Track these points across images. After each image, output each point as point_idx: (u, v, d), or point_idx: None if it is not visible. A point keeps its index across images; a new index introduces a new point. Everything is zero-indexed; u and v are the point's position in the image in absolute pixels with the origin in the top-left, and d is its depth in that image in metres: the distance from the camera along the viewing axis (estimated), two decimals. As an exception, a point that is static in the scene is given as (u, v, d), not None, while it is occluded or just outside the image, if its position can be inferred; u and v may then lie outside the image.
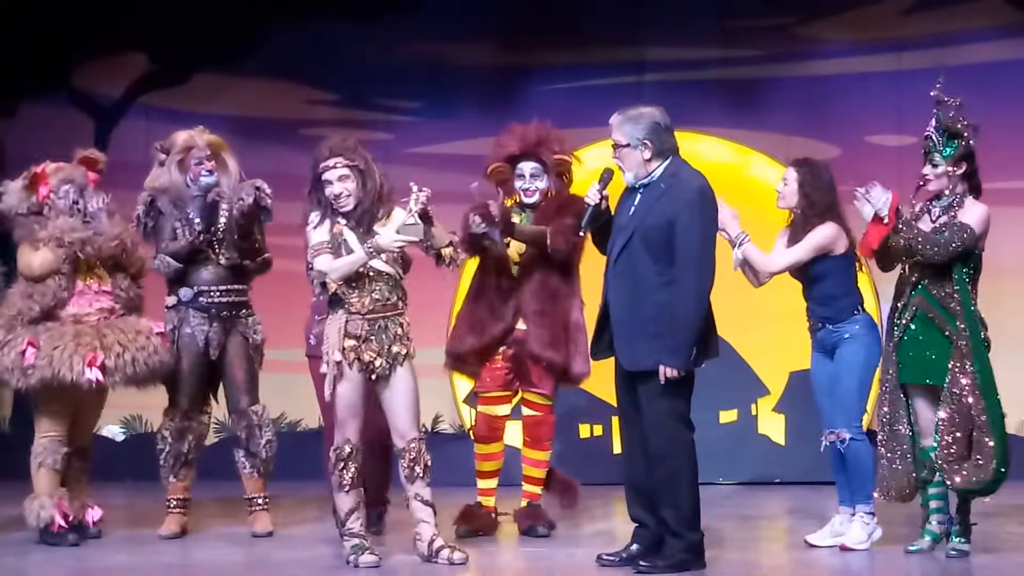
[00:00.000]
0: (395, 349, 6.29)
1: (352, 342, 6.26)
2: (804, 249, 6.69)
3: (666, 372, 5.98)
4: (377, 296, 6.29)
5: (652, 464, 6.11)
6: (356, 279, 6.27)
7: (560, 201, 7.20)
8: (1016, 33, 9.79)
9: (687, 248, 5.99)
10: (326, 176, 6.28)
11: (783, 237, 6.85)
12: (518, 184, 7.25)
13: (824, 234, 6.67)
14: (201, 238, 7.19)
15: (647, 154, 6.12)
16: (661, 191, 6.09)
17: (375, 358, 6.27)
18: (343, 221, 6.30)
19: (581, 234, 6.31)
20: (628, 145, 6.13)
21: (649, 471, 6.15)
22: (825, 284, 6.72)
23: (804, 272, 6.75)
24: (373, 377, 6.29)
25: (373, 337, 6.27)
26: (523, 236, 7.11)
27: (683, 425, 6.12)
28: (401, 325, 6.33)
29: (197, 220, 7.16)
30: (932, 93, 6.50)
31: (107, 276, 7.19)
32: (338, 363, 6.25)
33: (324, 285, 6.30)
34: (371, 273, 6.28)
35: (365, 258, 6.20)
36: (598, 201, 6.21)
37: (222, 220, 7.22)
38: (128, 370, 7.04)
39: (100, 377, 6.95)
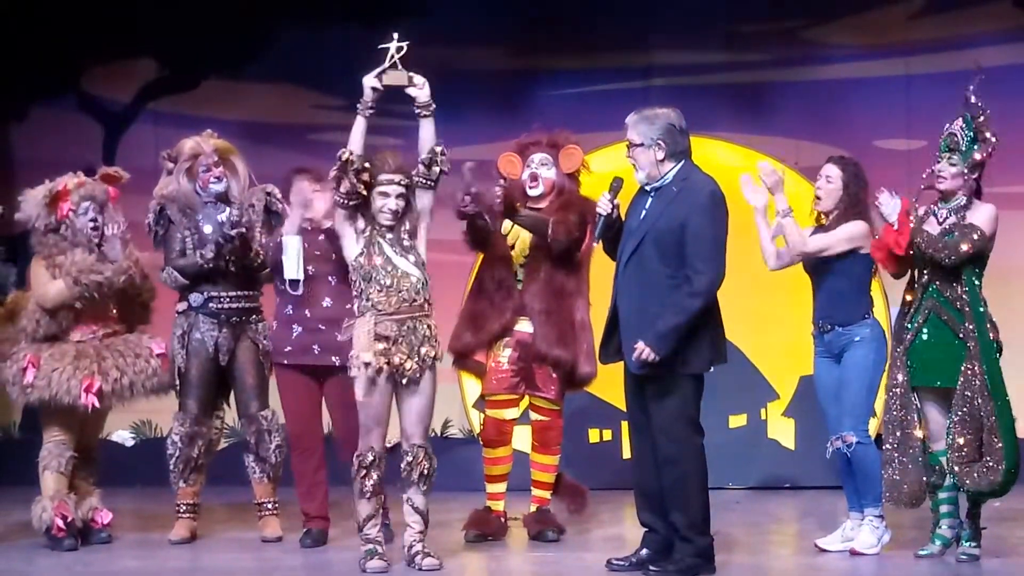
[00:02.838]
0: (424, 350, 6.30)
1: (382, 345, 6.26)
2: (838, 238, 6.68)
3: (643, 351, 5.96)
4: (404, 296, 6.29)
5: (662, 468, 6.11)
6: (383, 279, 6.28)
7: (566, 198, 7.21)
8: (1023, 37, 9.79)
9: (698, 252, 6.00)
10: (385, 188, 6.33)
11: (807, 232, 6.83)
12: (526, 174, 7.25)
13: (858, 229, 6.67)
14: (211, 264, 7.19)
15: (660, 155, 6.13)
16: (673, 194, 6.10)
17: (405, 360, 6.26)
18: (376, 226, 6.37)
19: (595, 244, 6.31)
20: (642, 144, 6.14)
21: (659, 476, 6.15)
22: (841, 281, 6.71)
23: (823, 266, 6.73)
24: (404, 381, 6.28)
25: (403, 339, 6.27)
26: (524, 221, 7.11)
27: (692, 429, 6.12)
28: (429, 327, 6.33)
29: (211, 247, 7.15)
30: (966, 92, 6.48)
31: (115, 303, 7.22)
32: (367, 364, 6.25)
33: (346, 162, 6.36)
34: (397, 273, 6.28)
35: (364, 120, 6.39)
36: (610, 211, 6.21)
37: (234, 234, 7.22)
38: (126, 394, 7.13)
39: (96, 403, 7.02)
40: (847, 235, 6.69)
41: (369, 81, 6.38)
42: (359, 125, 6.41)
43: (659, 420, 6.09)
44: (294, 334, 7.09)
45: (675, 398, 6.06)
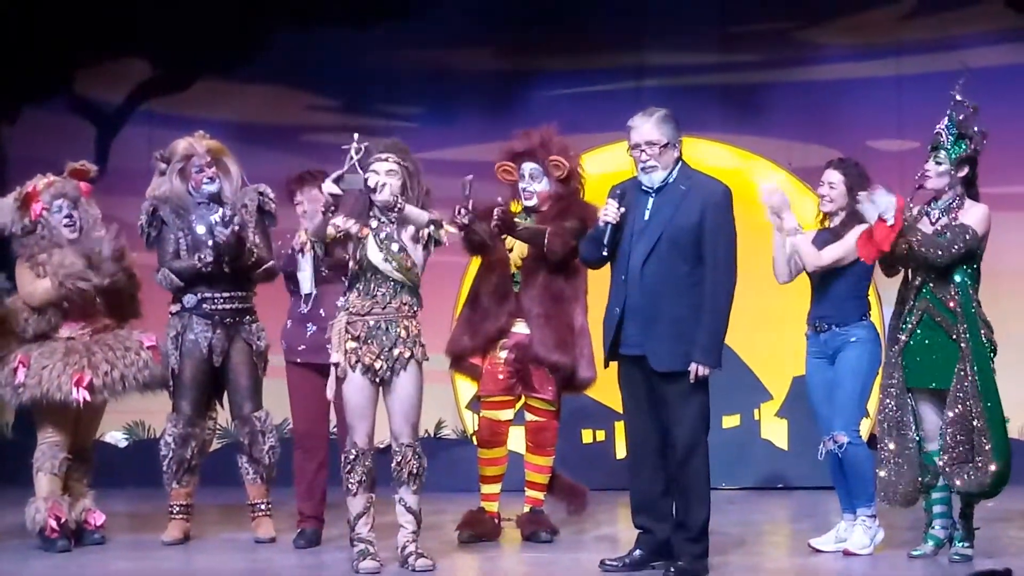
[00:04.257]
0: (396, 352, 6.29)
1: (353, 344, 6.28)
2: (850, 245, 6.68)
3: (698, 371, 6.01)
4: (378, 298, 6.30)
5: (681, 466, 6.12)
6: (360, 282, 6.29)
7: (563, 206, 7.21)
8: (1017, 37, 9.80)
9: (717, 249, 6.05)
10: (375, 166, 6.29)
11: (811, 237, 6.83)
12: (520, 185, 7.27)
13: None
14: (209, 268, 7.19)
15: (677, 152, 6.17)
16: (682, 193, 6.12)
17: (375, 360, 6.28)
18: (373, 224, 6.32)
19: (604, 253, 6.29)
20: (668, 144, 6.15)
21: (657, 477, 6.18)
22: (841, 283, 6.73)
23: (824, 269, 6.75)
24: (377, 380, 6.31)
25: (372, 339, 6.29)
26: (523, 235, 7.12)
27: (705, 427, 6.16)
28: (406, 328, 6.32)
29: (209, 251, 7.15)
30: (951, 92, 6.50)
31: (102, 298, 7.22)
32: (336, 364, 6.28)
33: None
34: (376, 275, 6.29)
35: (324, 218, 6.24)
36: (617, 219, 6.19)
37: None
38: (117, 387, 7.11)
39: (87, 397, 7.00)
40: (855, 242, 6.69)
41: (328, 187, 6.21)
42: (321, 220, 6.28)
43: (681, 419, 6.09)
44: (308, 332, 7.11)
45: (696, 397, 6.09)
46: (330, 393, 6.34)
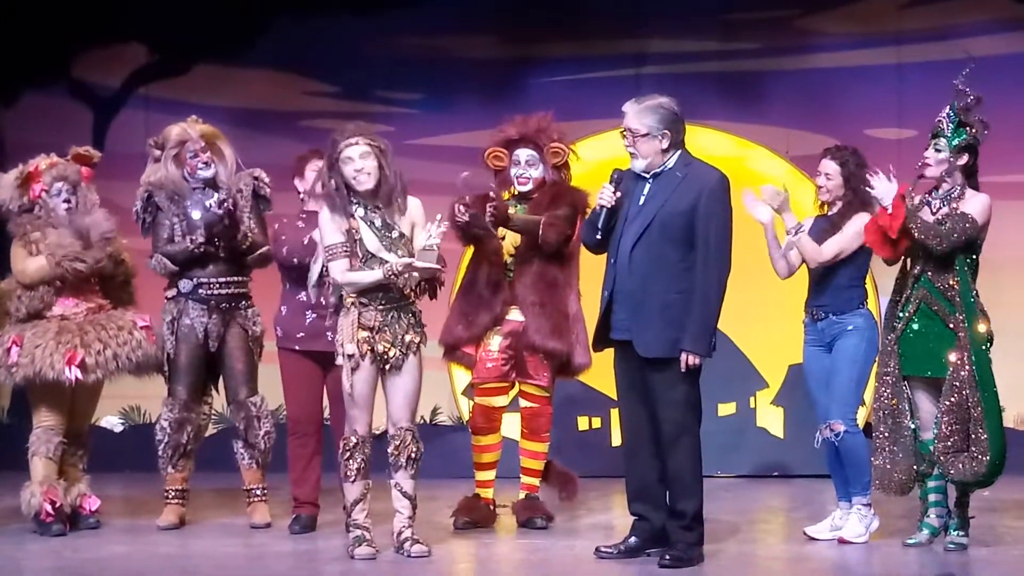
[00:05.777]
0: (408, 338, 6.31)
1: (366, 333, 6.27)
2: (848, 237, 6.69)
3: (688, 360, 5.99)
4: (387, 286, 6.28)
5: (669, 456, 6.12)
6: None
7: (555, 192, 7.21)
8: (1016, 27, 9.78)
9: (709, 236, 6.04)
10: (347, 153, 6.22)
11: (808, 226, 6.82)
12: (513, 171, 7.26)
13: (865, 222, 6.66)
14: (202, 249, 7.18)
15: (664, 144, 6.14)
16: (678, 180, 6.12)
17: (389, 348, 6.28)
18: (360, 212, 6.28)
19: (599, 237, 6.28)
20: (647, 134, 6.13)
21: (654, 465, 6.17)
22: (839, 272, 6.73)
23: None
24: (387, 367, 6.30)
25: (387, 327, 6.28)
26: (517, 226, 7.11)
27: (696, 416, 6.15)
28: (414, 314, 6.35)
29: (201, 232, 7.14)
30: (955, 81, 6.50)
31: (96, 279, 7.22)
32: (351, 356, 6.26)
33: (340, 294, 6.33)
34: (383, 264, 6.26)
35: (382, 279, 6.20)
36: (613, 204, 6.19)
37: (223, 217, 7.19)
38: (110, 366, 7.10)
39: (80, 376, 7.00)
40: (857, 231, 6.68)
41: (404, 262, 6.18)
42: (373, 280, 6.23)
43: (668, 407, 6.09)
44: (307, 320, 7.10)
45: (684, 385, 6.09)
46: (347, 385, 6.32)
